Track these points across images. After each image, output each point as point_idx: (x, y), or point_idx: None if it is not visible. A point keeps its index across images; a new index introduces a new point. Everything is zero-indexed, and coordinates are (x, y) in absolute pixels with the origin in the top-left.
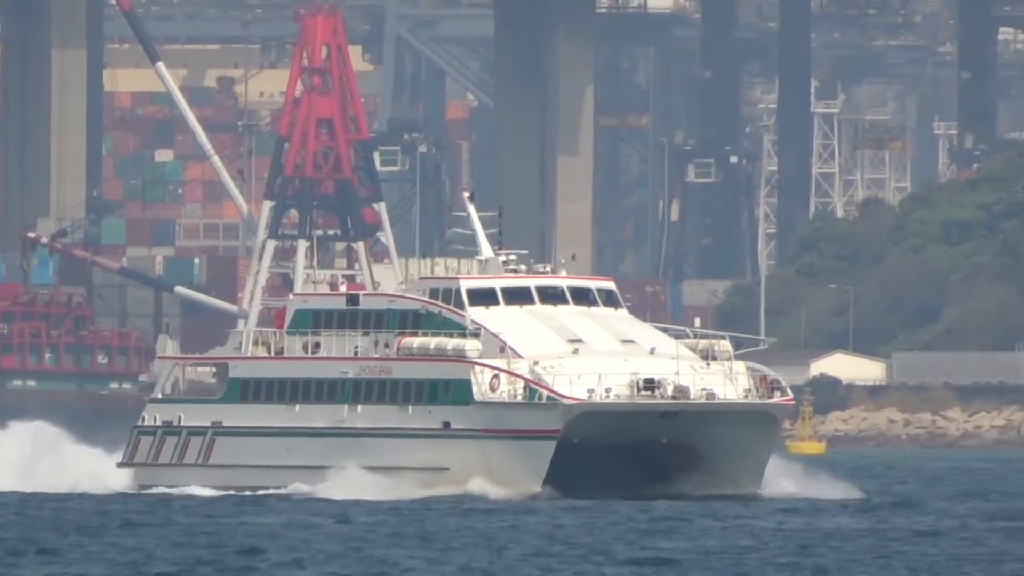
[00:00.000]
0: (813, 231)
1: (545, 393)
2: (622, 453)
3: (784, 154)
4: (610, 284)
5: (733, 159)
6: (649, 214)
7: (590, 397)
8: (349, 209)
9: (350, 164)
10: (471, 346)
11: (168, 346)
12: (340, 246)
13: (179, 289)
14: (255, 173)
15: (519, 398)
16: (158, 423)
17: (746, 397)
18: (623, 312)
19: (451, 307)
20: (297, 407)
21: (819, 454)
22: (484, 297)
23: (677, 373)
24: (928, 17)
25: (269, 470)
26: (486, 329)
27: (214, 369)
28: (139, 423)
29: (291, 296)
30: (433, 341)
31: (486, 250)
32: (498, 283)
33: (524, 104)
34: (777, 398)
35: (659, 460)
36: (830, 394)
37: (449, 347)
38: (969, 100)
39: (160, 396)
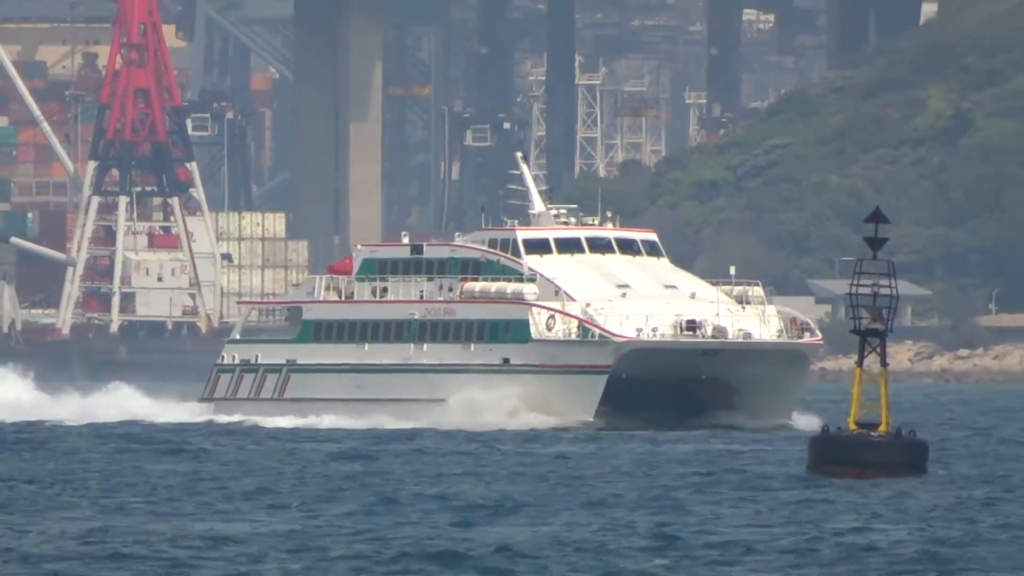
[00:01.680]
0: (578, 190)
1: (597, 332)
2: (665, 388)
3: (552, 121)
4: (652, 236)
5: (506, 125)
6: (432, 174)
7: (638, 336)
8: (165, 169)
9: (165, 129)
10: (529, 290)
11: (5, 291)
12: (157, 201)
13: (14, 240)
14: (81, 137)
15: (573, 336)
16: (236, 362)
17: (779, 337)
18: (665, 261)
19: (508, 255)
20: (367, 346)
21: None
22: (539, 247)
23: (717, 315)
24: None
25: (341, 403)
26: (541, 275)
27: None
28: (218, 362)
29: (359, 246)
30: (494, 286)
31: (538, 205)
32: (551, 234)
33: (320, 77)
34: (807, 338)
35: (699, 395)
36: None
37: (508, 291)
38: (716, 73)
39: (238, 337)
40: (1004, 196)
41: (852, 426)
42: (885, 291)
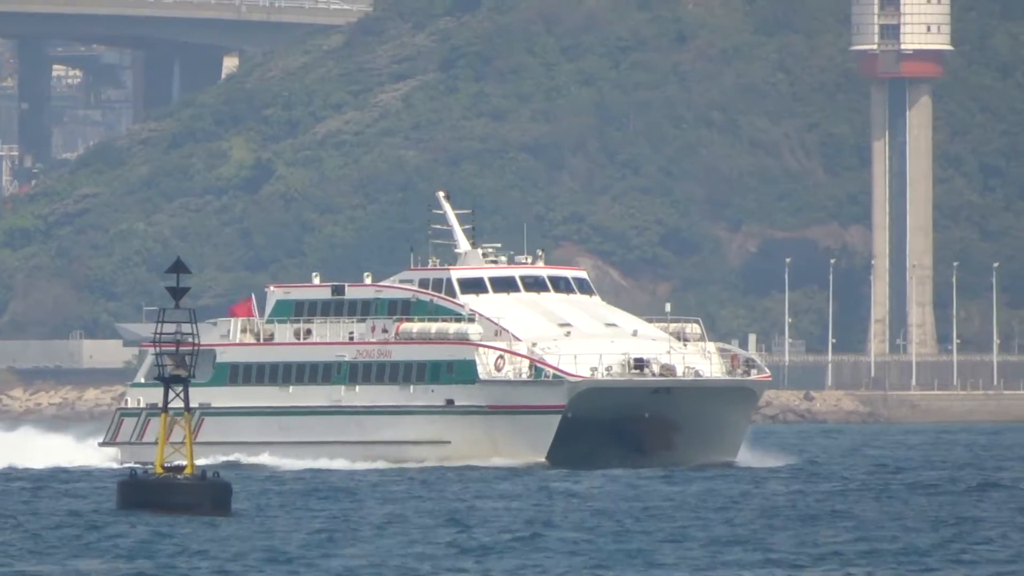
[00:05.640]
0: None
1: (551, 372)
2: (611, 426)
3: None
4: (583, 274)
5: None
6: None
7: (592, 375)
8: None
9: None
10: (472, 330)
11: None
12: None
13: None
14: None
15: (524, 377)
16: (142, 405)
17: (729, 374)
18: (596, 299)
19: (442, 295)
20: (291, 389)
21: None
22: (473, 286)
23: (668, 352)
24: None
25: (261, 446)
26: (481, 315)
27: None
28: (122, 405)
29: (271, 288)
30: (434, 326)
31: (463, 244)
32: (485, 273)
33: None
34: (755, 375)
35: (644, 433)
36: None
37: (451, 331)
38: (28, 126)
39: (143, 380)
40: (303, 241)
41: (159, 469)
42: (188, 339)
